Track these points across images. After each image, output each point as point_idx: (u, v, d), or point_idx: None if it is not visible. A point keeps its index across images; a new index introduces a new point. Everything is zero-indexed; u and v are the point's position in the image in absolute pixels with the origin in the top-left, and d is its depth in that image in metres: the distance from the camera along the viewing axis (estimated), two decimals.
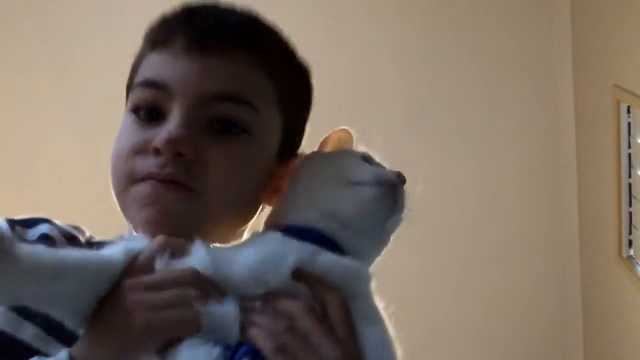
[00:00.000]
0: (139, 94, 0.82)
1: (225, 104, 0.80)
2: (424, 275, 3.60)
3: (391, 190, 0.80)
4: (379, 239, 0.83)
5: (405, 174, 0.82)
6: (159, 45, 0.83)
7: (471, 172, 3.58)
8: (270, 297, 0.71)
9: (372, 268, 0.82)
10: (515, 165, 3.60)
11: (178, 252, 0.72)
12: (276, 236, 0.77)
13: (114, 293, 0.69)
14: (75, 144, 3.47)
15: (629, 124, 2.88)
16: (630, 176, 2.91)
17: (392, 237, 0.84)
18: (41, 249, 0.69)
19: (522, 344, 3.70)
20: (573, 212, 3.53)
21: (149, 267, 0.71)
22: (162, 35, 0.84)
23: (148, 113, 0.81)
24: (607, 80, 2.94)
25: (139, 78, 0.84)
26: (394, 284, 3.35)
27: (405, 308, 3.70)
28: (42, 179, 3.48)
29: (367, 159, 0.84)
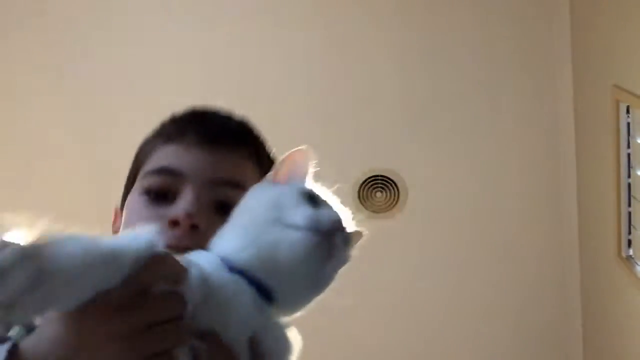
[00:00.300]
0: (152, 179, 0.97)
1: (227, 188, 0.96)
2: (424, 275, 3.60)
3: (326, 238, 0.79)
4: (317, 284, 0.83)
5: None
6: (171, 140, 0.99)
7: (471, 172, 3.58)
8: (219, 346, 0.76)
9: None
10: (515, 165, 3.60)
11: (174, 277, 0.75)
12: (231, 275, 0.79)
13: (105, 303, 0.70)
14: (75, 144, 3.47)
15: (629, 124, 2.88)
16: (629, 176, 2.91)
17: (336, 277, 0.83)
18: (68, 250, 0.67)
19: (522, 344, 3.70)
20: (573, 212, 3.53)
21: (148, 283, 0.73)
22: (174, 131, 1.01)
23: (157, 195, 0.95)
24: (607, 80, 2.94)
25: (152, 166, 0.98)
26: (394, 283, 3.36)
27: (405, 307, 3.69)
28: (42, 179, 3.48)
29: (310, 196, 0.83)
